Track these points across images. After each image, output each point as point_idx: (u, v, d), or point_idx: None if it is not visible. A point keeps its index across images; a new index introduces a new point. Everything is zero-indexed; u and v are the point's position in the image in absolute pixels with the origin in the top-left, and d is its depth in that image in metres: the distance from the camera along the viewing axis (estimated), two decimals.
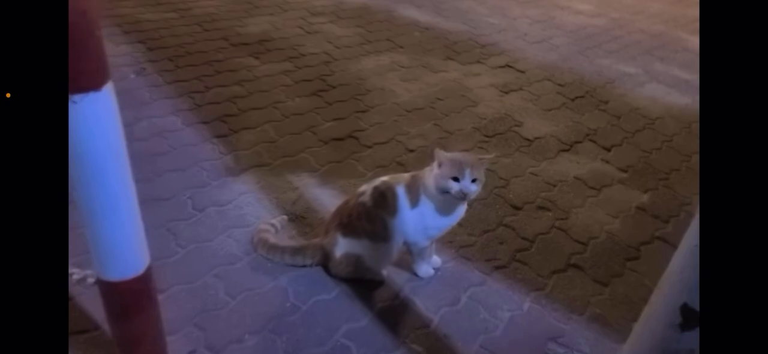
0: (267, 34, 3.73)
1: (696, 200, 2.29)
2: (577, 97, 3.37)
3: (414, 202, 1.70)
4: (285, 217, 2.05)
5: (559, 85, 3.51)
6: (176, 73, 3.05)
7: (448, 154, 1.62)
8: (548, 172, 2.56)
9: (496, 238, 2.09)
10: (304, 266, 1.82)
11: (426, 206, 1.69)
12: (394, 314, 1.71)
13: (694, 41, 4.64)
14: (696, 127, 3.14)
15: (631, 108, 3.31)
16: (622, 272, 2.00)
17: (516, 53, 3.95)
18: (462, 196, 1.59)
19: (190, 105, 2.76)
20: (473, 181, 1.59)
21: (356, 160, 2.49)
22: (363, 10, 4.43)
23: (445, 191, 1.61)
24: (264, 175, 2.31)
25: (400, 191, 1.71)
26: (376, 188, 1.74)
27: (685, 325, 1.05)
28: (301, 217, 2.09)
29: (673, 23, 5.12)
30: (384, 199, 1.72)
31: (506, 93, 3.32)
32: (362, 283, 1.78)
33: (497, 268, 1.94)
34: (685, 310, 1.05)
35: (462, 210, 1.72)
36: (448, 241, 1.99)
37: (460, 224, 1.76)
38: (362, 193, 1.76)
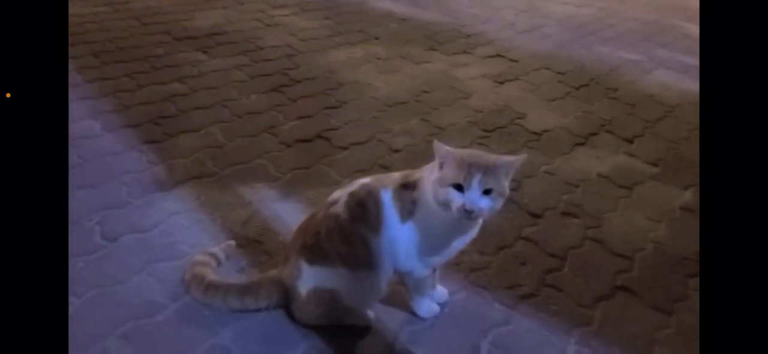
0: (219, 28, 3.19)
1: None
2: (581, 86, 2.92)
3: (405, 214, 1.19)
4: (232, 242, 1.51)
5: (559, 73, 3.06)
6: (100, 70, 2.47)
7: (453, 150, 1.11)
8: (566, 170, 2.07)
9: (516, 257, 1.58)
10: (257, 311, 1.31)
11: (423, 221, 1.17)
12: None
13: (692, 28, 4.28)
14: None
15: (644, 95, 2.87)
16: (686, 294, 1.51)
17: (505, 43, 3.49)
18: (466, 215, 1.08)
19: (114, 106, 2.20)
20: (486, 192, 1.08)
21: (328, 165, 1.96)
22: (330, 2, 3.93)
23: (444, 205, 1.09)
24: (206, 188, 1.76)
25: (386, 198, 1.20)
26: (352, 195, 1.22)
27: None
28: (254, 242, 1.55)
29: (663, 11, 4.76)
30: (364, 210, 1.20)
31: (501, 83, 2.85)
32: (340, 330, 1.27)
33: (523, 298, 1.43)
34: None
35: (474, 227, 1.20)
36: (455, 263, 1.48)
37: None
38: (334, 202, 1.24)
